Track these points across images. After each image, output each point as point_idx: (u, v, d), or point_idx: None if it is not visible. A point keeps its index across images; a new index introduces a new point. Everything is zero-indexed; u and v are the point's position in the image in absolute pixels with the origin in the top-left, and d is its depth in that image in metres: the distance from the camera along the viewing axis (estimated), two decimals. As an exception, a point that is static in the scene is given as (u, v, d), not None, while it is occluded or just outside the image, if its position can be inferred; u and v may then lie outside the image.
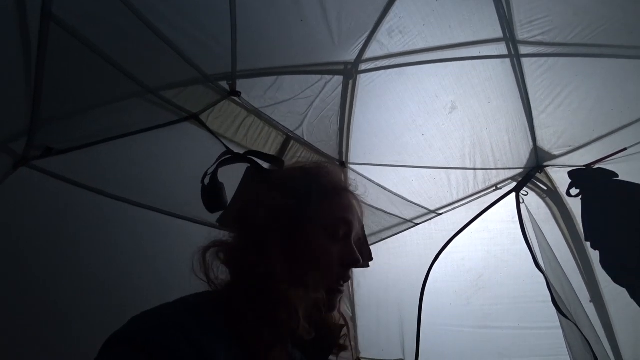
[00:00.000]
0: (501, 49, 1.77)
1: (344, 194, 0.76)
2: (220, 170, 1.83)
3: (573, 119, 1.83)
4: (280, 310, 0.60)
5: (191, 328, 0.51)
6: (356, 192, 0.82)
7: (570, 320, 1.74)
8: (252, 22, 1.54)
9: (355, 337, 2.57)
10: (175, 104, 1.69)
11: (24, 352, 1.35)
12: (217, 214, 1.86)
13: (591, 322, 1.78)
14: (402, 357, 2.40)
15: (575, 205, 1.97)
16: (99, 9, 1.22)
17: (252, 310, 0.59)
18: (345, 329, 0.77)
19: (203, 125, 1.81)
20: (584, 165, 1.89)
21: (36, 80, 1.24)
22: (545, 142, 1.95)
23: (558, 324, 1.91)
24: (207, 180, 1.79)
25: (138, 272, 1.70)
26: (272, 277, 0.61)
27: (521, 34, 1.69)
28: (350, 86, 2.06)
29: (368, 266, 2.17)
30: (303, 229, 0.67)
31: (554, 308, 1.80)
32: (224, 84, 1.80)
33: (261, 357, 0.57)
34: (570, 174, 1.91)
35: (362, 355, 2.53)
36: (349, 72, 2.00)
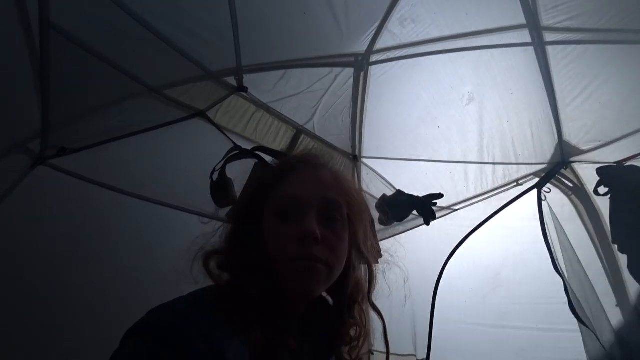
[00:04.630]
0: (524, 36, 1.63)
1: (296, 172, 0.72)
2: (230, 165, 1.84)
3: (604, 112, 1.67)
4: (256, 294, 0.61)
5: (201, 322, 0.53)
6: (333, 168, 0.76)
7: (588, 328, 1.65)
8: (252, 16, 1.50)
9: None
10: (182, 102, 1.70)
11: (42, 336, 1.45)
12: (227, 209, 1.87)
13: (614, 329, 1.67)
14: (413, 353, 2.38)
15: (603, 204, 1.83)
16: (95, 14, 1.23)
17: (241, 302, 0.60)
18: (361, 326, 0.77)
19: (210, 122, 1.82)
20: (614, 162, 1.74)
21: (42, 85, 1.28)
22: (572, 136, 1.80)
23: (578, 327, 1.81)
24: (215, 176, 1.82)
25: (153, 264, 1.76)
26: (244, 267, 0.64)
27: (546, 19, 1.54)
28: (361, 78, 1.99)
29: (377, 262, 2.12)
30: (263, 217, 0.68)
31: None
32: (230, 80, 1.79)
33: (259, 348, 0.57)
34: (598, 171, 1.76)
35: (373, 348, 2.53)
36: (360, 64, 1.92)
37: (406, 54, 1.82)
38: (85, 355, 1.45)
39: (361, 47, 1.84)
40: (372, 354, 2.53)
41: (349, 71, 1.96)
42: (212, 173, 1.72)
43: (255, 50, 1.71)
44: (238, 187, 1.70)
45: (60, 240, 1.56)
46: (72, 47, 1.23)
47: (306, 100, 2.01)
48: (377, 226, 2.10)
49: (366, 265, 0.81)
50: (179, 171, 1.85)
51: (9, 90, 1.27)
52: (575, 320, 1.76)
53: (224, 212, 1.74)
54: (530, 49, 1.66)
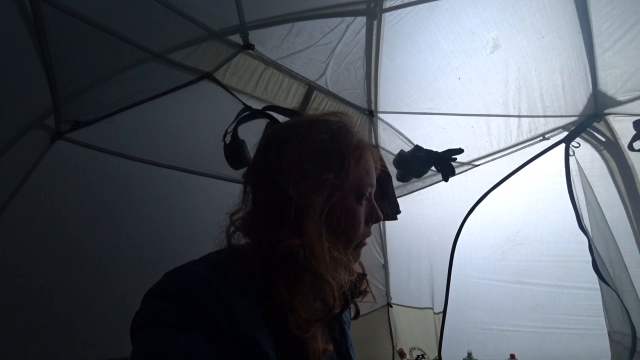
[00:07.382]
0: (558, -30, 1.42)
1: (366, 152, 0.71)
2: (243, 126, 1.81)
3: (648, 56, 1.48)
4: (320, 282, 0.61)
5: (214, 285, 0.56)
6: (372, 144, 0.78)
7: (610, 287, 1.60)
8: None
9: (387, 284, 2.65)
10: (187, 66, 1.66)
11: (69, 293, 1.59)
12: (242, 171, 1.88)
13: (635, 290, 1.61)
14: (430, 306, 2.44)
15: (637, 161, 1.68)
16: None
17: (285, 280, 0.60)
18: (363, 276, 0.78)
19: (218, 83, 1.78)
20: (655, 114, 1.57)
21: (44, 61, 1.27)
22: (609, 85, 1.62)
23: (599, 286, 1.77)
24: (228, 139, 1.81)
25: (166, 226, 1.84)
26: (310, 250, 0.60)
27: (585, -52, 1.33)
28: (375, 27, 1.84)
29: (396, 219, 2.09)
30: (338, 198, 0.65)
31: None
32: (236, 38, 1.71)
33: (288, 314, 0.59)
34: (636, 124, 1.60)
35: (392, 301, 2.62)
36: (373, 11, 1.77)
37: (423, -3, 1.65)
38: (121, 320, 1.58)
39: (373, -8, 1.68)
40: (391, 306, 2.63)
41: (361, 20, 1.81)
42: (225, 136, 1.72)
43: (259, 4, 1.61)
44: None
45: (78, 204, 1.64)
46: (67, 18, 1.20)
47: (317, 54, 1.90)
48: (395, 183, 2.07)
49: None
50: (190, 135, 1.86)
51: (19, 68, 1.28)
52: (595, 279, 1.72)
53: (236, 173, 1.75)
54: (566, -15, 1.45)
